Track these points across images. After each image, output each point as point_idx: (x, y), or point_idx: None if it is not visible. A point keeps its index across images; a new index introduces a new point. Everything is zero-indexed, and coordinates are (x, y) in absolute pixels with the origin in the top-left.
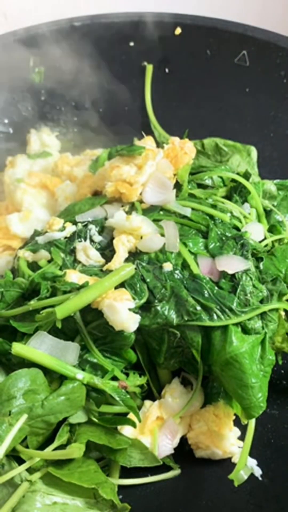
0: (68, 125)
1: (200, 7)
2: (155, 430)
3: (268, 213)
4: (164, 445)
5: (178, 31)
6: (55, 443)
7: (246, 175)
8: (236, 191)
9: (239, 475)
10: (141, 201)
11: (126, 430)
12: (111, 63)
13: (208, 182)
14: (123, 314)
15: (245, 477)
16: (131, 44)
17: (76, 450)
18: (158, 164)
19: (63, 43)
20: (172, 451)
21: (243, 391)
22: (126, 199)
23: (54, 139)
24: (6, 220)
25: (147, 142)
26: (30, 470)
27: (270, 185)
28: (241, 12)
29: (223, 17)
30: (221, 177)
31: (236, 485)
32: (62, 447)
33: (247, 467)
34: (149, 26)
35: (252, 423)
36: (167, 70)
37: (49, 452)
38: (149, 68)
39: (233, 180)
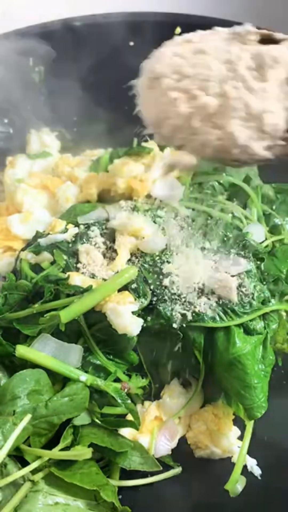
0: (68, 125)
1: (200, 7)
2: (153, 430)
3: (267, 216)
4: (162, 445)
5: (178, 31)
6: (61, 445)
7: (247, 180)
8: (237, 196)
9: (235, 488)
10: (143, 202)
11: (125, 430)
12: (111, 63)
13: (208, 191)
14: (126, 317)
15: (240, 489)
16: (131, 44)
17: (87, 452)
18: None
19: (63, 43)
20: (170, 452)
21: (246, 392)
22: (137, 195)
23: (54, 139)
24: (6, 221)
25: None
26: (33, 470)
27: (268, 189)
28: (241, 12)
29: (223, 17)
30: (221, 184)
31: (231, 496)
32: (64, 449)
33: (242, 478)
34: (149, 26)
35: (247, 437)
36: None
37: (58, 452)
38: None
39: (233, 185)
